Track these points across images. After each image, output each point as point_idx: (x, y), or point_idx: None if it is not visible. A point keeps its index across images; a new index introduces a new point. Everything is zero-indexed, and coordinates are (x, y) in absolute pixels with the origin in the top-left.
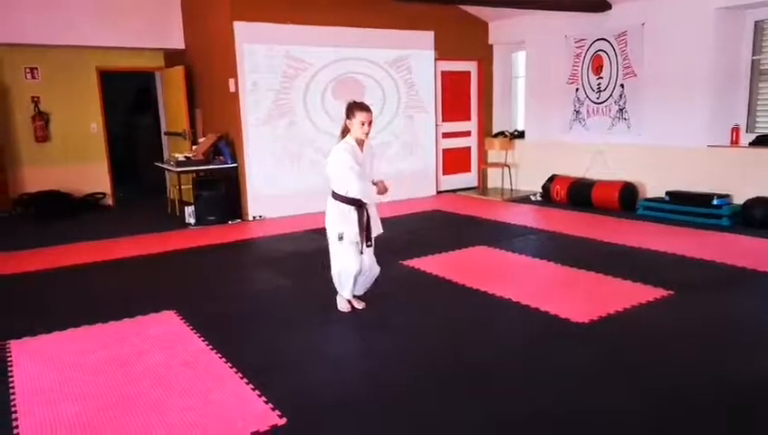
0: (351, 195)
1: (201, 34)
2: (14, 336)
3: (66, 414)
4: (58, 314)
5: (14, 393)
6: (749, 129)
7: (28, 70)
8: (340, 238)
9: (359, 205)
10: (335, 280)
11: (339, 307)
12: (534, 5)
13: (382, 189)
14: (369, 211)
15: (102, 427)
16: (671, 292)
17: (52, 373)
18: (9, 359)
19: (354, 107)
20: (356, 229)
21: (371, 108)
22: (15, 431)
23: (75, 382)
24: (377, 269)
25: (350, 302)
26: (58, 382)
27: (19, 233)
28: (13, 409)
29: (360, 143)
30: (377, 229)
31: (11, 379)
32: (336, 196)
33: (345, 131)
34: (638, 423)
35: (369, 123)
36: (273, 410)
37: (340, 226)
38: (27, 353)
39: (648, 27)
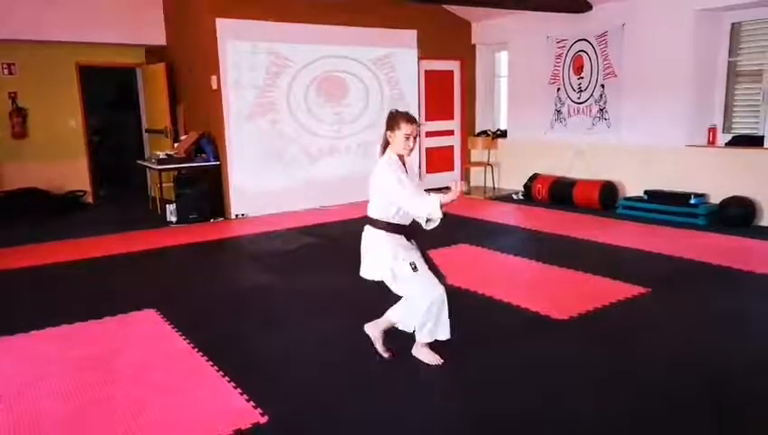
0: (421, 213)
1: (183, 31)
2: None
3: (45, 412)
4: (37, 312)
5: None
6: (725, 129)
7: (5, 65)
8: (415, 268)
9: (407, 233)
10: (424, 326)
11: (430, 361)
12: (517, 6)
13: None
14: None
15: (83, 425)
16: (648, 289)
17: (30, 372)
18: None
19: (399, 117)
20: (418, 254)
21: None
22: None
23: (54, 381)
24: None
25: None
26: (36, 380)
27: None
28: None
29: (402, 159)
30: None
31: None
32: (381, 225)
33: (386, 145)
34: (619, 418)
35: (415, 138)
36: (255, 407)
37: (405, 254)
38: (5, 352)
39: (628, 28)
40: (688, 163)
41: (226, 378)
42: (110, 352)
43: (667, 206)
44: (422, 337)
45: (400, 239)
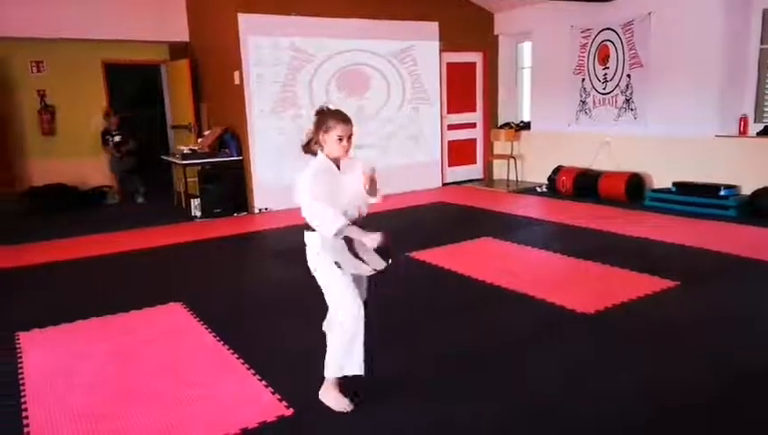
0: (325, 233)
1: (206, 27)
2: (23, 328)
3: (75, 404)
4: (66, 305)
5: (23, 384)
6: (757, 118)
7: (34, 63)
8: (339, 266)
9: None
10: (334, 356)
11: (337, 407)
12: None
13: (368, 182)
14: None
15: (111, 416)
16: (677, 282)
17: (60, 364)
18: (18, 350)
19: (330, 117)
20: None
21: (349, 117)
22: (25, 421)
23: (83, 373)
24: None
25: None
26: (67, 373)
27: (26, 226)
28: (23, 399)
29: (337, 161)
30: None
31: (20, 370)
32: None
33: (310, 144)
34: (643, 412)
35: (349, 138)
36: (281, 401)
37: (331, 254)
38: (36, 345)
39: (654, 16)
40: (718, 154)
41: (252, 371)
42: (137, 344)
43: (697, 198)
44: (329, 371)
45: (337, 243)
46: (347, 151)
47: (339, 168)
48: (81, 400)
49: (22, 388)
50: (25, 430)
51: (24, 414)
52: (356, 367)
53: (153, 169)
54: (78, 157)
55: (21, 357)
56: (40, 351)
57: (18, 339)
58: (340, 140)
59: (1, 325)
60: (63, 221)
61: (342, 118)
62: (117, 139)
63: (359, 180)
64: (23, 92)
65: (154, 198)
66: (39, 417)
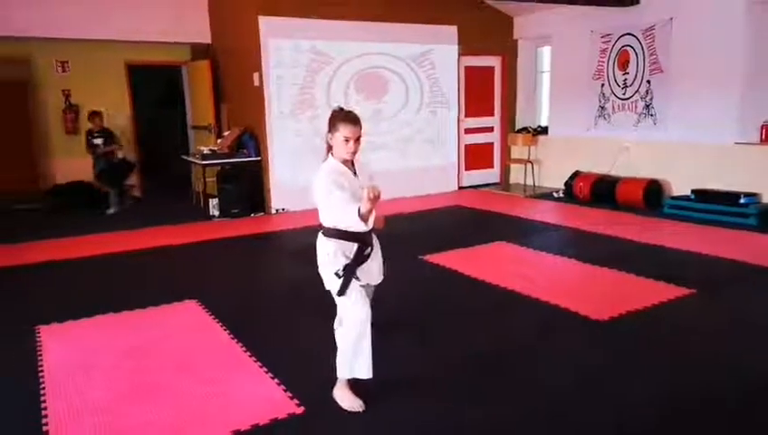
0: (347, 225)
1: (227, 29)
2: (43, 322)
3: (93, 397)
4: (84, 301)
5: (42, 376)
6: None
7: (59, 63)
8: (339, 276)
9: (362, 241)
10: (344, 356)
11: (349, 407)
12: (562, 0)
13: (368, 198)
14: (375, 253)
15: (127, 410)
16: (693, 290)
17: (79, 358)
18: (39, 344)
19: (338, 118)
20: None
21: (359, 118)
22: (44, 412)
23: (101, 367)
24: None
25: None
26: (85, 366)
27: (49, 223)
28: (42, 391)
29: (348, 164)
30: (378, 275)
31: (40, 362)
32: (328, 232)
33: (329, 148)
34: (659, 420)
35: (357, 140)
36: (292, 398)
37: (338, 261)
38: (56, 338)
39: (676, 22)
40: (738, 161)
41: (264, 369)
42: (153, 340)
43: (716, 205)
44: (341, 372)
45: (347, 246)
46: (353, 154)
47: (355, 173)
48: (99, 393)
49: (41, 380)
50: (44, 421)
51: (43, 406)
52: (364, 370)
53: (173, 168)
54: None
55: (41, 350)
56: (59, 344)
57: (38, 332)
58: (346, 141)
59: (22, 319)
60: (85, 219)
61: (350, 118)
62: (97, 141)
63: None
64: (48, 92)
65: (173, 197)
66: (58, 409)
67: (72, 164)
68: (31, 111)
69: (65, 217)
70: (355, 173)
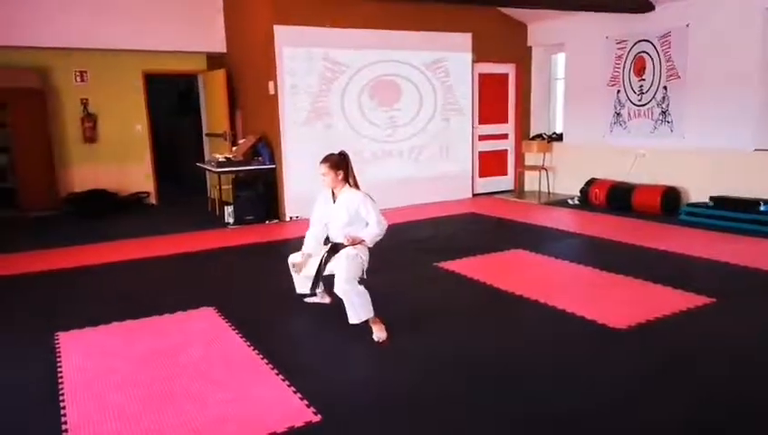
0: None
1: (242, 38)
2: (62, 328)
3: (111, 403)
4: (103, 308)
5: (62, 382)
6: None
7: (78, 73)
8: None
9: (332, 248)
10: (362, 296)
11: (382, 335)
12: (575, 6)
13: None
14: (339, 256)
15: (145, 416)
16: (712, 299)
17: (97, 364)
18: (58, 350)
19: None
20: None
21: (327, 159)
22: (63, 418)
23: (119, 374)
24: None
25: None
26: (103, 372)
27: (67, 231)
28: (61, 396)
29: (333, 192)
30: (334, 270)
31: (59, 368)
32: None
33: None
34: (676, 431)
35: (323, 175)
36: (308, 407)
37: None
38: (75, 344)
39: (692, 28)
40: (757, 168)
41: (281, 376)
42: (171, 347)
43: (735, 213)
44: (366, 315)
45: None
46: (328, 186)
47: (334, 199)
48: (117, 399)
49: (60, 386)
50: (63, 427)
51: (62, 412)
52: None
53: (188, 175)
54: (118, 163)
55: (60, 356)
56: (78, 350)
57: (58, 338)
58: (323, 176)
59: (41, 325)
60: (102, 226)
61: (322, 159)
62: None
63: (345, 212)
64: (66, 101)
65: (188, 205)
66: (76, 415)
67: (89, 172)
68: (49, 119)
69: (82, 225)
70: (334, 200)
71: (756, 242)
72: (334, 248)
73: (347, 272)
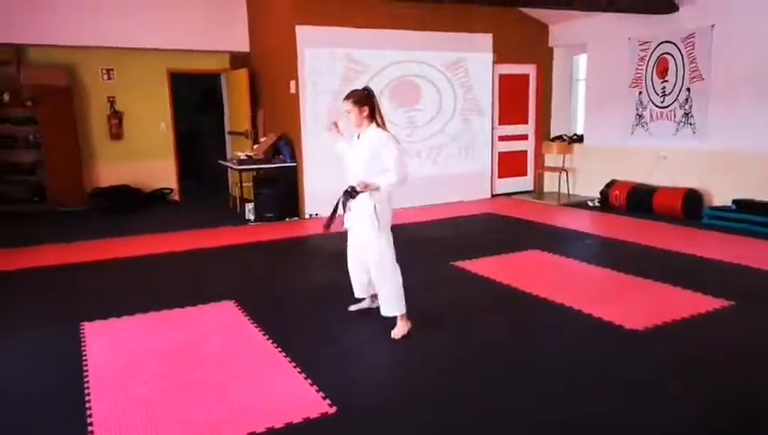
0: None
1: (265, 38)
2: (87, 318)
3: (134, 392)
4: (127, 299)
5: (87, 371)
6: None
7: (105, 71)
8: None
9: (346, 192)
10: (399, 287)
11: (407, 331)
12: (598, 7)
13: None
14: (355, 202)
15: (167, 406)
16: (732, 302)
17: (121, 354)
18: (83, 339)
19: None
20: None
21: (351, 95)
22: (87, 404)
23: (143, 364)
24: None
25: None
26: (127, 363)
27: (92, 225)
28: (86, 385)
29: (358, 132)
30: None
31: (84, 357)
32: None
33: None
34: (694, 433)
35: (347, 112)
36: (324, 398)
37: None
38: (99, 335)
39: (717, 29)
40: None
41: (298, 369)
42: (193, 339)
43: (759, 217)
44: (399, 309)
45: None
46: (354, 124)
47: (359, 136)
48: (141, 389)
49: (85, 374)
50: (88, 413)
51: (87, 398)
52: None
53: (210, 172)
54: (143, 160)
55: (85, 345)
56: (102, 340)
57: (83, 328)
58: (347, 113)
59: (67, 315)
60: (126, 221)
61: (345, 96)
62: None
63: (367, 149)
64: (93, 98)
65: (210, 202)
66: (102, 403)
67: (115, 168)
68: (77, 116)
69: (107, 220)
70: (358, 136)
71: None
72: (350, 193)
73: (381, 254)
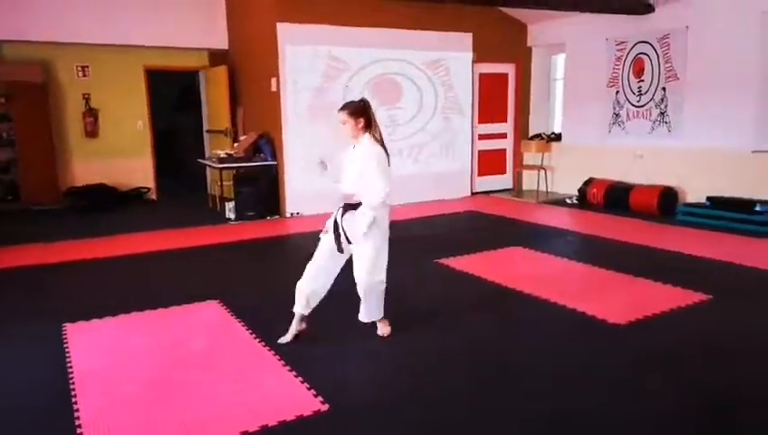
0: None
1: (245, 35)
2: (69, 319)
3: (121, 392)
4: (108, 300)
5: (72, 372)
6: None
7: (80, 68)
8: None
9: (343, 206)
10: (380, 298)
11: (388, 332)
12: (576, 7)
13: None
14: (349, 219)
15: (158, 406)
16: (710, 296)
17: (106, 355)
18: (65, 341)
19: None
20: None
21: (347, 106)
22: (75, 406)
23: (128, 364)
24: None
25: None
26: (112, 364)
27: (68, 224)
28: (71, 386)
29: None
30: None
31: (68, 360)
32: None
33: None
34: (674, 426)
35: (342, 123)
36: (316, 396)
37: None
38: (82, 336)
39: (692, 30)
40: (754, 169)
41: (287, 367)
42: (179, 339)
43: (731, 213)
44: (380, 314)
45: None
46: (350, 136)
47: (354, 148)
48: (128, 389)
49: (70, 376)
50: (76, 415)
51: (73, 401)
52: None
53: (187, 171)
54: (119, 158)
55: (68, 347)
56: (86, 341)
57: (65, 330)
58: (342, 124)
59: (48, 317)
60: (103, 220)
61: (341, 107)
62: None
63: (359, 163)
64: (68, 96)
65: (188, 201)
66: (89, 403)
67: (91, 167)
68: (51, 113)
69: (83, 219)
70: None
71: (752, 242)
72: (346, 207)
73: (371, 265)
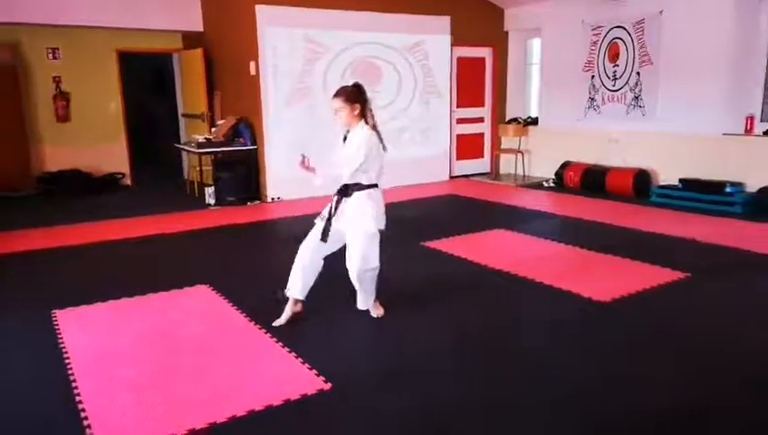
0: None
1: (222, 17)
2: (58, 306)
3: (122, 377)
4: (95, 286)
5: (68, 357)
6: (763, 118)
7: (50, 50)
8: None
9: (339, 192)
10: (374, 284)
11: (381, 313)
12: None
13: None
14: (348, 205)
15: (161, 388)
16: (687, 274)
17: (100, 340)
18: (57, 327)
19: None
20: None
21: (341, 92)
22: (76, 391)
23: (124, 348)
24: (357, 266)
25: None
26: (107, 348)
27: (43, 211)
28: (70, 371)
29: (347, 131)
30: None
31: (62, 345)
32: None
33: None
34: (664, 399)
35: (337, 111)
36: (318, 375)
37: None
38: (73, 322)
39: (665, 15)
40: (725, 152)
41: (286, 349)
42: (172, 323)
43: (703, 194)
44: (373, 297)
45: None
46: (344, 124)
47: (345, 138)
48: (127, 372)
49: (67, 361)
50: (78, 398)
51: (74, 385)
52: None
53: (162, 156)
54: (92, 143)
55: (60, 333)
56: (78, 327)
57: (55, 316)
58: (336, 111)
59: (36, 304)
60: (78, 207)
61: (335, 93)
62: None
63: (348, 150)
64: (38, 79)
65: (164, 186)
66: (89, 387)
67: (62, 152)
68: (21, 97)
69: (57, 205)
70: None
71: (723, 221)
72: (343, 192)
73: (363, 253)
